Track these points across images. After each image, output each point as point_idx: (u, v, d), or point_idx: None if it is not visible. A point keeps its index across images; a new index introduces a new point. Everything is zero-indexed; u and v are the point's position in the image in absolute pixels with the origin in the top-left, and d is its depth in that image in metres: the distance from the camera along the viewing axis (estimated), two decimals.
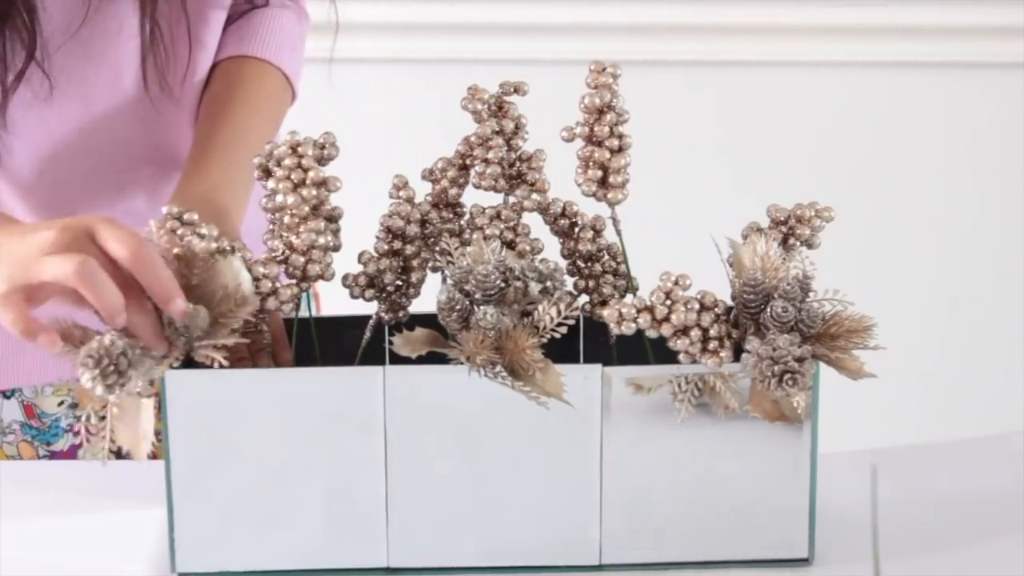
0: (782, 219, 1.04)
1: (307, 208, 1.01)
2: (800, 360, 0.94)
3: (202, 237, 0.99)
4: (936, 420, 2.46)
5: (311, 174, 1.01)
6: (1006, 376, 2.45)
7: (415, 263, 1.04)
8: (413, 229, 1.03)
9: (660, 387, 0.98)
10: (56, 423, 1.30)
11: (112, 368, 0.92)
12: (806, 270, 1.00)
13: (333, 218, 1.04)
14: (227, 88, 1.25)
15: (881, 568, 1.03)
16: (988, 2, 2.30)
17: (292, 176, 1.01)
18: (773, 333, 0.96)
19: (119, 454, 1.28)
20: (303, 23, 1.33)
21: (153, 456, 1.04)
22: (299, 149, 1.01)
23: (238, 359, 1.02)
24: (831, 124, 2.39)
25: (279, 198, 1.01)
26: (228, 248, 1.00)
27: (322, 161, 1.02)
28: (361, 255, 1.03)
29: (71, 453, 1.31)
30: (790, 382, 0.94)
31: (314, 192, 1.01)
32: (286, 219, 1.02)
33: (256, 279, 1.00)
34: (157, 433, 0.98)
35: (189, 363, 1.06)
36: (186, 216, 1.00)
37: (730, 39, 2.33)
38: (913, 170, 2.42)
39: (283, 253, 1.02)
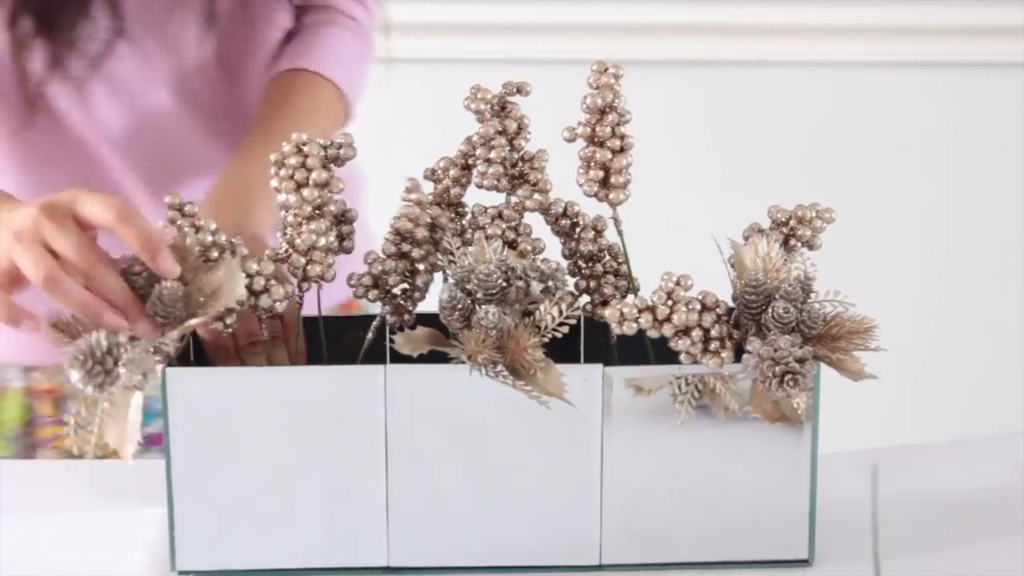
0: (783, 220, 1.04)
1: (309, 208, 1.01)
2: (801, 361, 0.94)
3: (199, 230, 1.00)
4: (936, 420, 2.46)
5: (314, 175, 1.01)
6: (1006, 376, 2.45)
7: (422, 267, 1.03)
8: (421, 232, 1.03)
9: (660, 389, 0.98)
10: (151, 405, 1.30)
11: (99, 368, 0.92)
12: (807, 271, 1.00)
13: (348, 220, 1.04)
14: (279, 97, 1.29)
15: (881, 568, 1.03)
16: (988, 2, 2.30)
17: (296, 176, 1.01)
18: (774, 334, 0.96)
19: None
20: (364, 42, 1.37)
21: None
22: (304, 148, 1.01)
23: (252, 351, 1.04)
24: (831, 124, 2.39)
25: (281, 197, 1.02)
26: (225, 244, 1.00)
27: (339, 161, 1.02)
28: (367, 255, 1.03)
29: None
30: (791, 383, 0.94)
31: (316, 193, 1.01)
32: (289, 218, 1.02)
33: (249, 276, 1.00)
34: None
35: (190, 362, 1.06)
36: (187, 208, 1.00)
37: (730, 39, 2.33)
38: (913, 170, 2.42)
39: (286, 251, 1.02)
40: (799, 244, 1.03)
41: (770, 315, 0.96)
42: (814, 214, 1.04)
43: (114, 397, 0.95)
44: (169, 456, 0.99)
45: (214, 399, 0.98)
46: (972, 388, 2.47)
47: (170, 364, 0.97)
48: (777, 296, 0.97)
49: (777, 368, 0.94)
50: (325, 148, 1.02)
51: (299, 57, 1.31)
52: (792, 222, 1.04)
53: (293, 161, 1.01)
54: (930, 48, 2.34)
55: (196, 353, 1.07)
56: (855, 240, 2.37)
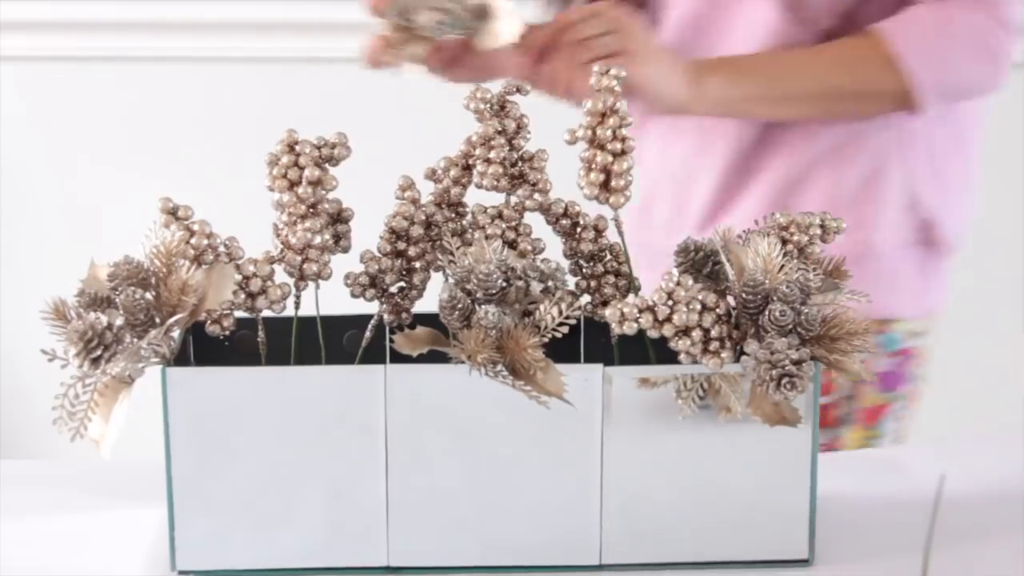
0: (784, 224, 1.04)
1: (303, 207, 1.02)
2: (798, 363, 0.94)
3: (193, 233, 1.00)
4: (936, 420, 2.46)
5: (307, 172, 1.01)
6: (1006, 376, 2.45)
7: (418, 265, 1.04)
8: (417, 230, 1.03)
9: (666, 383, 0.98)
10: None
11: (97, 342, 0.92)
12: (809, 275, 0.99)
13: (343, 219, 1.04)
14: (840, 43, 1.35)
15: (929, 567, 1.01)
16: None
17: (288, 175, 1.01)
18: (772, 336, 0.96)
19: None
20: (971, 45, 1.37)
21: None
22: (296, 147, 1.02)
23: None
24: None
25: (275, 196, 1.02)
26: (219, 246, 1.00)
27: (332, 161, 1.03)
28: (363, 255, 1.04)
29: None
30: (788, 386, 0.94)
31: (310, 191, 1.01)
32: (284, 217, 1.02)
33: (246, 277, 1.00)
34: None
35: (190, 362, 1.06)
36: (180, 211, 1.01)
37: None
38: None
39: (281, 252, 1.02)
40: (794, 249, 1.03)
41: (767, 317, 0.96)
42: (819, 222, 1.03)
43: (106, 390, 0.95)
44: (169, 456, 0.99)
45: (214, 399, 0.98)
46: (972, 387, 2.47)
47: (169, 364, 0.97)
48: (775, 298, 0.97)
49: (774, 371, 0.94)
50: (318, 147, 1.02)
51: (887, 21, 1.34)
52: (792, 228, 1.03)
53: (285, 160, 1.02)
54: None
55: (196, 353, 1.07)
56: None
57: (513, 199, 1.05)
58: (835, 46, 1.36)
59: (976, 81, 1.38)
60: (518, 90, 1.05)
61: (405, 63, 1.28)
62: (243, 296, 1.01)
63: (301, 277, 1.02)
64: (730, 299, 0.99)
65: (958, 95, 1.39)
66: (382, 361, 1.01)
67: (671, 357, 0.98)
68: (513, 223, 1.05)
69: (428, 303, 1.03)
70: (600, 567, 1.02)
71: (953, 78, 1.37)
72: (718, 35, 1.39)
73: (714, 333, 0.97)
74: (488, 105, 1.04)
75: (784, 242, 1.03)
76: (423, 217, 1.04)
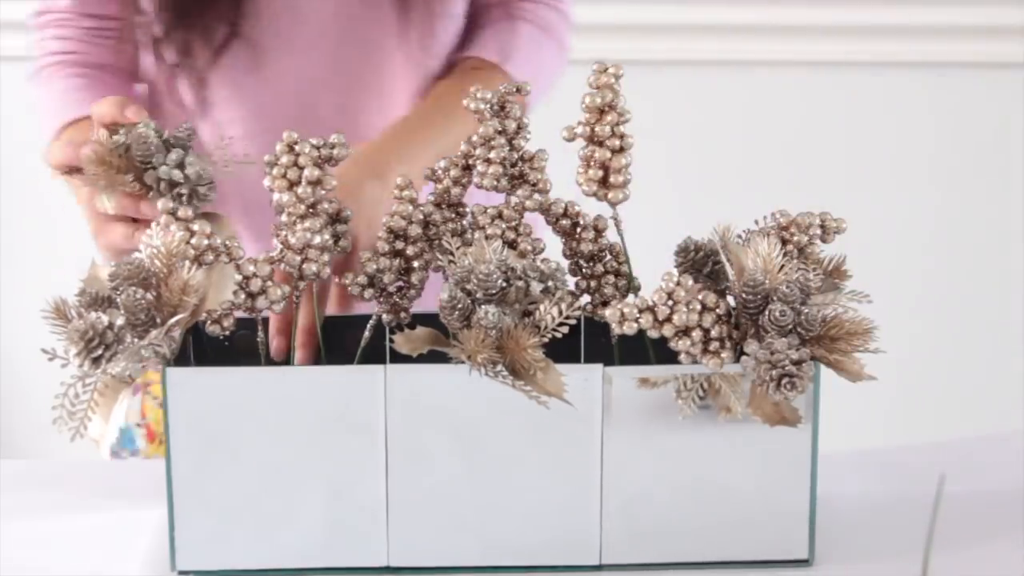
0: (784, 224, 1.04)
1: (303, 207, 1.02)
2: (798, 363, 0.94)
3: (193, 234, 1.00)
4: (936, 420, 2.46)
5: (306, 172, 1.01)
6: (1005, 376, 2.45)
7: (416, 264, 1.04)
8: (415, 230, 1.03)
9: (666, 383, 0.98)
10: None
11: (98, 342, 0.92)
12: (810, 275, 0.99)
13: (343, 219, 1.04)
14: (452, 83, 1.37)
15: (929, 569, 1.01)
16: (988, 2, 2.30)
17: (288, 175, 1.01)
18: (772, 336, 0.96)
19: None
20: (550, 43, 1.43)
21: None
22: (296, 148, 1.02)
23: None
24: (831, 124, 2.40)
25: (275, 196, 1.02)
26: (221, 247, 1.00)
27: (332, 161, 1.03)
28: (362, 255, 1.04)
29: None
30: (788, 386, 0.94)
31: (309, 191, 1.01)
32: (283, 217, 1.02)
33: (246, 277, 1.01)
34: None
35: (190, 362, 1.06)
36: (180, 212, 1.01)
37: (730, 39, 2.33)
38: (912, 170, 2.42)
39: (280, 251, 1.02)
40: (794, 249, 1.03)
41: (767, 317, 0.96)
42: (819, 222, 1.03)
43: (106, 390, 0.95)
44: (169, 456, 0.99)
45: (214, 399, 0.98)
46: (971, 388, 2.47)
47: (169, 364, 0.97)
48: (775, 298, 0.97)
49: (774, 371, 0.94)
50: (318, 148, 1.02)
51: (482, 48, 1.38)
52: (792, 228, 1.03)
53: (285, 160, 1.02)
54: (930, 48, 2.34)
55: (196, 353, 1.07)
56: (852, 240, 2.37)
57: (513, 199, 1.04)
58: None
59: (557, 74, 1.45)
60: (518, 90, 1.05)
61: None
62: (243, 296, 1.01)
63: (301, 277, 1.02)
64: (730, 299, 0.99)
65: (547, 91, 1.45)
66: (382, 361, 1.01)
67: (671, 357, 0.98)
68: (513, 223, 1.05)
69: (428, 303, 1.03)
70: (600, 567, 1.02)
71: (550, 80, 1.44)
72: (359, 76, 1.40)
73: (714, 333, 0.97)
74: (488, 105, 1.04)
75: (784, 242, 1.03)
76: (421, 217, 1.04)
